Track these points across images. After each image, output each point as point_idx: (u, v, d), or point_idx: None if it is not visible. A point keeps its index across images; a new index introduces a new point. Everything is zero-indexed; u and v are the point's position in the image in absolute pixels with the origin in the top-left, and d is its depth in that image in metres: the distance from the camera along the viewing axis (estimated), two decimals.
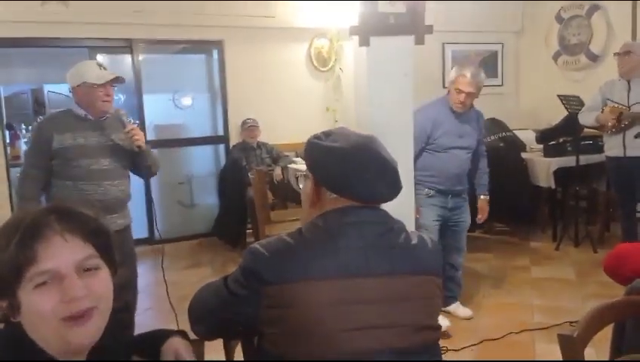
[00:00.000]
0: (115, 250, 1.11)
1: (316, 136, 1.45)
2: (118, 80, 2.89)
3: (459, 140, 3.64)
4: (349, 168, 1.36)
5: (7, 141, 5.32)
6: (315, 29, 6.01)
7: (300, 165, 5.41)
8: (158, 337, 1.34)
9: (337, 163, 1.37)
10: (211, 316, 1.46)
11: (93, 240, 1.05)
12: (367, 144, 1.41)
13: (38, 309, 0.98)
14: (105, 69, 2.87)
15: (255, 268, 1.32)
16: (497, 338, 3.39)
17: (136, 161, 2.94)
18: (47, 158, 2.78)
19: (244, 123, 5.73)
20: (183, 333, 1.39)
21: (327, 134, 1.45)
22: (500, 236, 5.71)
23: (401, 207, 1.52)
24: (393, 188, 1.40)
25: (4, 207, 5.02)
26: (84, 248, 1.03)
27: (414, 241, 1.40)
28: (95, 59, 5.42)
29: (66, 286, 0.99)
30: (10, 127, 5.52)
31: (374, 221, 1.38)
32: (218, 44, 5.83)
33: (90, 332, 1.02)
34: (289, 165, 5.59)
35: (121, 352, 1.19)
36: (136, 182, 4.18)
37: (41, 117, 6.61)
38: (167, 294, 3.16)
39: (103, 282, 1.05)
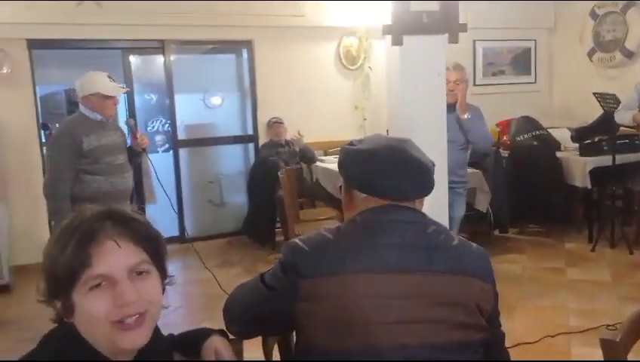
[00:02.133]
0: (165, 255, 1.13)
1: (349, 143, 1.49)
2: (125, 91, 3.53)
3: (459, 133, 3.75)
4: (373, 166, 1.39)
5: (44, 140, 5.42)
6: (344, 27, 5.99)
7: (328, 164, 5.41)
8: (198, 336, 1.35)
9: (363, 163, 1.41)
10: (248, 313, 1.47)
11: (145, 245, 1.07)
12: (396, 145, 1.44)
13: (91, 312, 1.01)
14: (114, 80, 3.33)
15: (294, 261, 1.34)
16: (533, 342, 3.32)
17: (130, 156, 3.47)
18: (78, 159, 3.16)
19: (269, 122, 5.76)
20: (222, 332, 1.40)
21: (360, 141, 1.49)
22: (533, 237, 5.60)
23: (435, 207, 1.50)
24: (420, 186, 1.41)
25: (41, 209, 5.14)
26: (136, 253, 1.06)
27: (455, 243, 1.39)
28: (128, 60, 5.54)
29: (118, 290, 1.01)
30: (45, 126, 5.61)
31: (411, 220, 1.38)
32: (248, 44, 5.85)
33: (140, 336, 1.04)
34: (317, 164, 5.59)
35: (164, 351, 1.20)
36: (167, 182, 4.27)
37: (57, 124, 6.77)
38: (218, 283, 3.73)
39: (153, 287, 1.08)
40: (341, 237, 1.37)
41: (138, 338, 1.04)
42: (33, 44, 5.06)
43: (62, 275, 1.01)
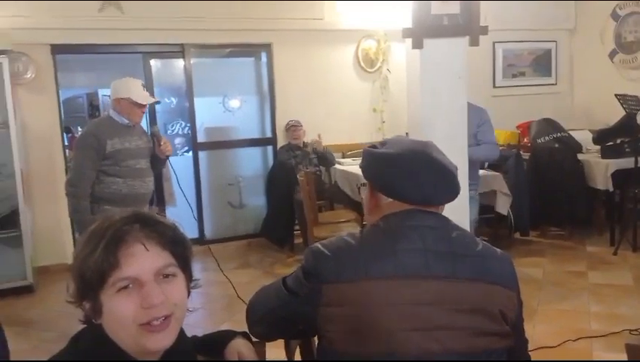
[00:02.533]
0: (191, 258, 1.15)
1: (371, 145, 1.49)
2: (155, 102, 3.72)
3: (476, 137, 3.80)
4: (400, 171, 1.38)
5: (66, 143, 5.50)
6: (363, 30, 6.01)
7: (347, 166, 5.41)
8: (222, 338, 1.37)
9: (389, 167, 1.39)
10: (270, 316, 1.47)
11: (172, 249, 1.09)
12: (420, 148, 1.43)
13: (119, 313, 1.03)
14: (146, 90, 3.45)
15: (316, 266, 1.34)
16: (554, 346, 3.29)
17: (154, 162, 3.51)
18: (100, 160, 3.23)
19: (287, 124, 5.79)
20: (245, 334, 1.41)
21: (382, 143, 1.48)
22: (554, 240, 5.54)
23: (455, 211, 1.49)
24: (447, 191, 1.40)
25: (64, 211, 5.21)
26: (163, 256, 1.07)
27: (479, 248, 1.38)
28: (149, 64, 5.60)
29: (145, 292, 1.03)
30: (67, 130, 5.70)
31: (435, 226, 1.37)
32: (266, 47, 5.89)
33: (166, 338, 1.06)
34: (336, 166, 5.60)
35: (188, 352, 1.22)
36: (186, 184, 4.31)
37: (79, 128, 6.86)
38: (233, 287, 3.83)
39: (179, 289, 1.09)
40: (363, 242, 1.36)
41: (164, 340, 1.06)
42: (57, 49, 5.14)
43: (91, 277, 1.03)
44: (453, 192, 1.41)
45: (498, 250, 1.42)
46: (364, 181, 1.50)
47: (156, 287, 1.04)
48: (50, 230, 5.13)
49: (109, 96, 3.63)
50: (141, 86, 3.40)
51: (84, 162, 3.22)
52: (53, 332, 3.90)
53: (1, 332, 1.72)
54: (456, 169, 1.44)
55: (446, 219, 1.41)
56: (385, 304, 1.28)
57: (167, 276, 1.07)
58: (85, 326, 1.11)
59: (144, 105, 3.39)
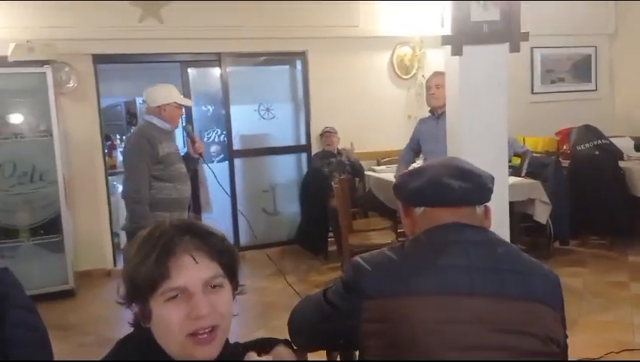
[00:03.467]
0: (238, 267, 1.17)
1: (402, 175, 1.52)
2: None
3: (436, 145, 3.83)
4: (425, 178, 1.39)
5: (106, 151, 5.62)
6: (398, 37, 5.98)
7: (381, 173, 5.39)
8: (264, 345, 1.37)
9: (414, 177, 1.42)
10: (311, 329, 1.47)
11: (220, 260, 1.11)
12: (447, 160, 1.48)
13: (167, 322, 1.06)
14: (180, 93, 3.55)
15: (356, 281, 1.32)
16: (596, 359, 3.21)
17: (187, 163, 3.56)
18: (153, 165, 3.27)
19: (322, 131, 5.81)
20: (287, 342, 1.42)
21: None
22: (595, 250, 5.40)
23: (497, 228, 1.47)
24: (474, 191, 1.38)
25: (104, 216, 5.34)
26: (211, 267, 1.10)
27: (525, 264, 1.35)
28: (187, 72, 5.70)
29: (193, 303, 1.06)
30: (107, 137, 5.83)
31: (479, 240, 1.35)
32: (301, 55, 5.92)
33: (212, 350, 1.09)
34: (370, 173, 5.58)
35: (234, 359, 1.23)
36: (222, 192, 4.33)
37: (133, 127, 7.00)
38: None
39: (225, 300, 1.11)
40: (405, 256, 1.34)
41: (210, 352, 1.08)
42: (98, 59, 5.28)
43: (142, 284, 1.06)
44: (481, 192, 1.39)
45: (545, 266, 1.39)
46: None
47: (204, 298, 1.06)
48: (91, 235, 5.25)
49: (143, 101, 3.71)
50: (177, 89, 3.52)
51: (142, 167, 3.24)
52: (92, 336, 3.98)
53: (46, 334, 1.76)
54: (491, 177, 1.42)
55: (491, 234, 1.39)
56: (424, 321, 1.25)
57: (214, 287, 1.09)
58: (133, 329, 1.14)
59: (182, 107, 3.52)
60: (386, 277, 1.30)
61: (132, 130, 3.56)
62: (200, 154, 3.59)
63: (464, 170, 1.40)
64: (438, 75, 4.14)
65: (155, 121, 3.40)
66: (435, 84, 4.21)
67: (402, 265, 1.32)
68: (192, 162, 3.62)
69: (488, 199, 1.41)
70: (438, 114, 4.25)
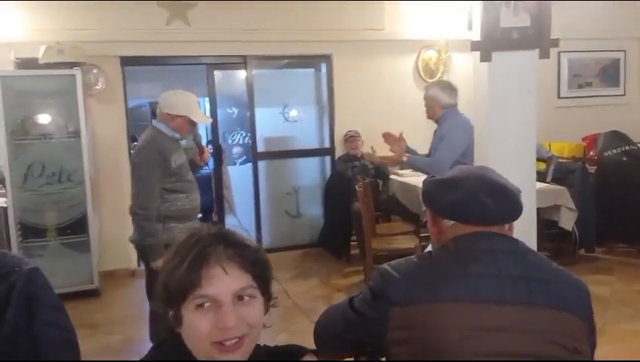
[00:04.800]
0: (271, 278, 1.17)
1: (430, 176, 1.54)
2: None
3: (433, 151, 4.00)
4: (459, 192, 1.37)
5: (131, 151, 5.68)
6: (423, 40, 5.96)
7: (405, 178, 5.36)
8: (292, 353, 1.37)
9: (448, 189, 1.40)
10: (338, 338, 1.47)
11: (252, 271, 1.12)
12: (480, 172, 1.45)
13: (195, 329, 1.08)
14: (200, 106, 3.35)
15: (384, 289, 1.33)
16: None
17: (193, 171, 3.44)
18: (164, 178, 3.08)
19: (346, 135, 5.81)
20: (315, 352, 1.41)
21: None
22: (623, 257, 5.31)
23: (524, 236, 1.46)
24: (509, 209, 1.38)
25: (129, 217, 5.38)
26: (243, 278, 1.10)
27: (554, 273, 1.34)
28: (212, 74, 5.73)
29: (222, 314, 1.07)
30: (133, 138, 5.88)
31: (507, 249, 1.34)
32: (326, 58, 5.92)
33: (238, 357, 1.10)
34: (394, 177, 5.55)
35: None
36: (246, 193, 4.37)
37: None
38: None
39: (256, 311, 1.12)
40: (433, 264, 1.35)
41: (236, 358, 1.09)
42: (126, 61, 5.35)
43: (174, 290, 1.09)
44: (515, 211, 1.39)
45: (574, 275, 1.38)
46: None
47: (232, 309, 1.07)
48: (116, 235, 5.29)
49: (156, 102, 3.39)
50: (198, 103, 3.26)
51: (152, 182, 3.03)
52: (117, 335, 4.03)
53: (75, 334, 1.79)
54: (519, 191, 1.42)
55: (518, 242, 1.39)
56: (452, 327, 1.25)
57: (244, 298, 1.09)
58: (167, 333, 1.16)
59: (197, 124, 3.28)
60: (413, 284, 1.31)
61: (140, 138, 3.28)
62: (207, 164, 3.54)
63: (500, 187, 1.40)
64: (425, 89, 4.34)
65: (164, 128, 3.16)
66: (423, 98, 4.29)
67: (430, 273, 1.33)
68: (195, 168, 3.49)
69: (519, 216, 1.41)
70: (436, 122, 4.26)
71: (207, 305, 1.07)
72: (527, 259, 1.34)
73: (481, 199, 1.35)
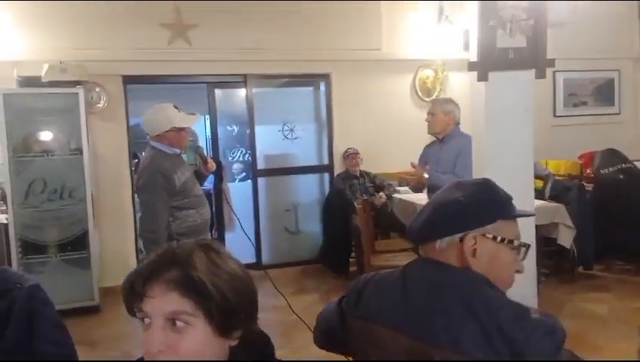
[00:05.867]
0: (233, 312, 1.04)
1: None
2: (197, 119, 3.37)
3: (438, 166, 4.05)
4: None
5: (132, 168, 5.72)
6: (420, 60, 6.05)
7: (404, 195, 5.40)
8: None
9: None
10: (330, 330, 1.53)
11: (197, 298, 1.01)
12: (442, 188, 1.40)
13: (142, 339, 1.03)
14: (180, 109, 3.19)
15: (347, 293, 1.44)
16: None
17: (200, 181, 3.43)
18: (170, 198, 3.06)
19: (345, 152, 5.87)
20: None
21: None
22: (621, 275, 5.33)
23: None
24: (420, 224, 1.34)
25: (130, 233, 5.42)
26: (179, 302, 1.00)
27: (464, 311, 1.18)
28: (213, 93, 5.80)
29: (148, 335, 1.01)
30: (134, 155, 5.92)
31: (431, 279, 1.26)
32: (325, 77, 6.01)
33: None
34: (393, 195, 5.60)
35: None
36: (245, 209, 4.40)
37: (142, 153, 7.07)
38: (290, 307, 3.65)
39: (190, 341, 1.01)
40: (381, 281, 1.38)
41: None
42: (128, 80, 5.41)
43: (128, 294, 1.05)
44: (428, 227, 1.31)
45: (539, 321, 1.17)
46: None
47: (159, 332, 1.00)
48: (116, 252, 5.33)
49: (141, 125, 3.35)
50: (176, 109, 3.16)
51: (158, 204, 3.02)
52: (117, 351, 4.02)
53: (74, 350, 1.81)
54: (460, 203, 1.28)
55: (444, 270, 1.26)
56: (388, 355, 1.27)
57: (176, 323, 1.00)
58: None
59: (187, 127, 3.22)
60: (359, 296, 1.38)
61: (142, 158, 3.30)
62: (216, 171, 3.52)
63: (440, 207, 1.32)
64: (434, 103, 4.39)
65: (162, 147, 3.13)
66: (429, 112, 4.32)
67: (374, 289, 1.37)
68: (202, 178, 3.50)
69: (435, 235, 1.29)
70: (440, 138, 4.30)
71: (146, 320, 1.02)
72: (441, 290, 1.23)
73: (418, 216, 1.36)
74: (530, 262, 2.01)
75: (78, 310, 4.65)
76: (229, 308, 1.02)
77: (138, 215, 3.59)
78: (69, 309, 4.41)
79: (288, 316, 4.11)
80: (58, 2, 5.02)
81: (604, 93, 6.52)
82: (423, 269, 1.29)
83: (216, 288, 1.01)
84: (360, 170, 5.81)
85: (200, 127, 7.33)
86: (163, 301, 1.00)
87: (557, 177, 5.31)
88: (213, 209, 6.11)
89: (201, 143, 7.04)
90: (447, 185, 1.37)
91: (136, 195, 5.47)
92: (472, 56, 2.83)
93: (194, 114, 3.30)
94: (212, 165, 3.45)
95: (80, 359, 1.80)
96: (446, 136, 4.19)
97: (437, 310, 1.19)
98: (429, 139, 6.04)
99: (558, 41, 5.65)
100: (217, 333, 1.03)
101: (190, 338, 1.00)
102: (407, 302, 1.24)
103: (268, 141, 6.02)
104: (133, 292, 1.02)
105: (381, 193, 5.65)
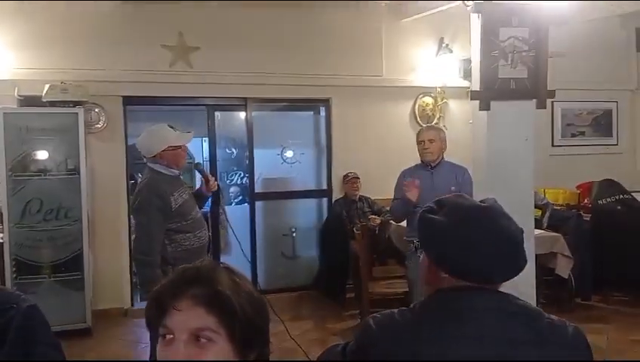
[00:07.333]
0: (252, 332, 1.06)
1: (428, 208, 1.38)
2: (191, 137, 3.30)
3: (431, 194, 3.75)
4: (458, 245, 1.27)
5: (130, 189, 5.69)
6: (420, 87, 6.09)
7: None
8: None
9: (446, 239, 1.30)
10: None
11: (220, 315, 1.03)
12: (481, 215, 1.32)
13: (161, 355, 1.05)
14: (176, 128, 3.15)
15: (364, 343, 1.33)
16: None
17: (199, 202, 3.32)
18: (166, 220, 2.99)
19: (345, 176, 5.86)
20: None
21: (439, 204, 1.37)
22: (618, 306, 5.30)
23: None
24: (510, 266, 1.30)
25: (125, 255, 5.37)
26: (204, 318, 1.02)
27: (545, 333, 1.25)
28: (213, 115, 5.80)
29: (171, 350, 1.03)
30: (131, 177, 5.89)
31: (494, 307, 1.27)
32: (325, 102, 6.03)
33: None
34: (390, 221, 5.57)
35: None
36: (241, 233, 4.35)
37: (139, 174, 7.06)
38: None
39: (210, 357, 1.02)
40: (414, 322, 1.30)
41: None
42: (128, 101, 5.42)
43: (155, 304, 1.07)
44: (516, 267, 1.30)
45: (570, 327, 1.30)
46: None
47: (183, 348, 1.01)
48: (110, 274, 5.27)
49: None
50: (171, 128, 3.13)
51: (153, 226, 2.96)
52: None
53: None
54: (522, 232, 1.34)
55: (507, 298, 1.31)
56: None
57: (200, 339, 1.02)
58: None
59: (184, 146, 3.17)
60: (391, 342, 1.28)
61: (140, 180, 3.21)
62: (213, 193, 3.40)
63: (508, 242, 1.30)
64: (430, 129, 4.30)
65: (160, 168, 3.07)
66: (428, 139, 4.09)
67: (409, 331, 1.28)
68: (203, 201, 3.44)
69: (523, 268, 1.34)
70: (432, 166, 4.12)
71: (168, 336, 1.03)
72: (515, 317, 1.26)
73: (481, 258, 1.26)
74: (529, 291, 2.00)
75: (70, 332, 4.56)
76: (251, 326, 1.05)
77: (133, 236, 3.53)
78: (60, 331, 4.33)
79: (283, 342, 4.06)
80: (60, 22, 5.06)
81: (602, 123, 6.57)
82: (480, 299, 1.28)
83: (239, 305, 1.04)
84: (359, 195, 5.79)
85: (198, 149, 7.31)
86: (189, 316, 1.02)
87: (555, 207, 5.31)
88: (210, 232, 6.08)
89: None
90: (490, 210, 1.34)
91: (131, 217, 5.46)
92: (474, 85, 2.85)
93: (189, 132, 3.28)
94: (214, 184, 3.35)
95: None
96: (437, 164, 4.13)
97: (518, 337, 1.24)
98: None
99: (557, 71, 5.72)
100: (237, 352, 1.05)
101: (211, 355, 1.02)
102: (477, 336, 1.23)
103: (266, 164, 6.02)
104: (159, 307, 1.04)
105: (374, 216, 5.62)
